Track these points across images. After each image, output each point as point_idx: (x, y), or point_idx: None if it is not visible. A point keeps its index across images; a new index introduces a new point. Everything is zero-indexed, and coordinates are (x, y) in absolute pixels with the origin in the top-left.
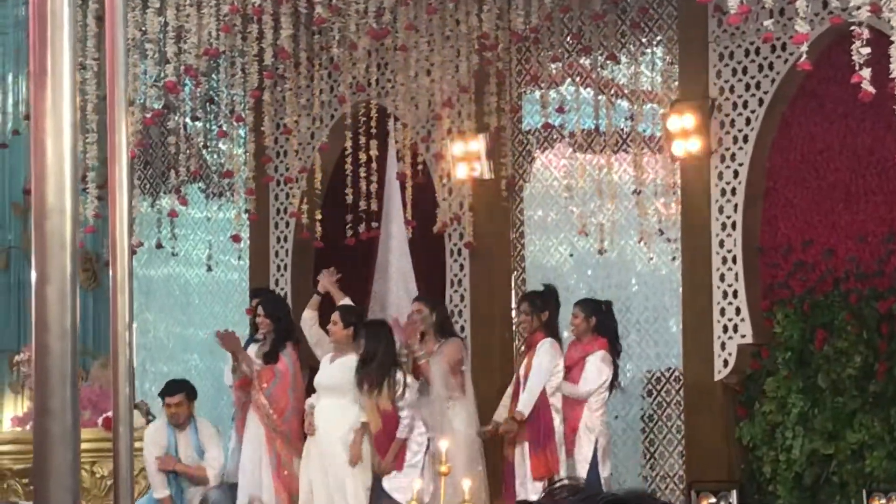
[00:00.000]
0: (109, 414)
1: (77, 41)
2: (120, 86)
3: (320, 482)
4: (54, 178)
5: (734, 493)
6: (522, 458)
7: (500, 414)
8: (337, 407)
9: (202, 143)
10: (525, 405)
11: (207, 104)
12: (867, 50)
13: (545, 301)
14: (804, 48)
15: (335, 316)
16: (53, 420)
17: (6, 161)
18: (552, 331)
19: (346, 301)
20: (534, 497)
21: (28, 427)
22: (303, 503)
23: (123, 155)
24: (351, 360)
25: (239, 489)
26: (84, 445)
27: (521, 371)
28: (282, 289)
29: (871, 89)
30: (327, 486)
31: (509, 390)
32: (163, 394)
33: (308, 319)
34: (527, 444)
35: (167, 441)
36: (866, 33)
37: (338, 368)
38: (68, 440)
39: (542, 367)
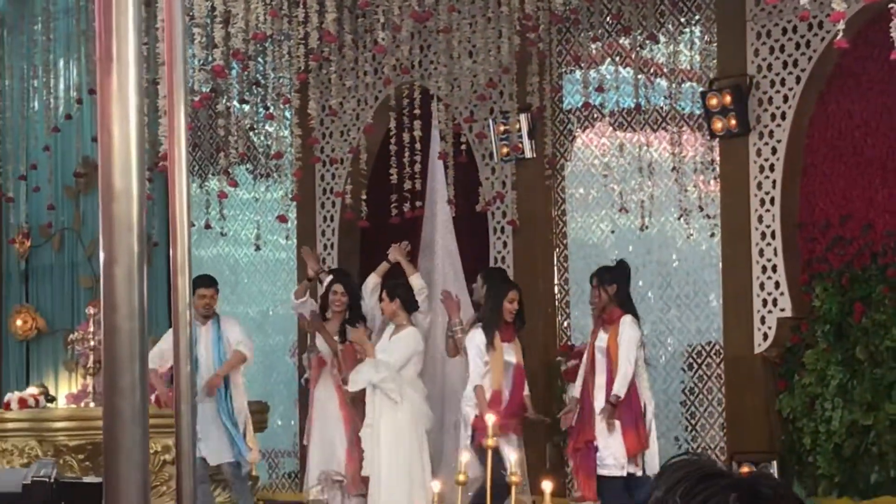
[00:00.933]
0: (160, 391)
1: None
2: (178, 70)
3: (379, 454)
4: (121, 162)
5: (774, 463)
6: (606, 436)
7: (576, 389)
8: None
9: (249, 126)
10: (621, 387)
11: (254, 87)
12: None
13: (614, 275)
14: (840, 26)
15: (383, 293)
16: (123, 399)
17: (58, 144)
18: (627, 306)
19: (417, 276)
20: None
21: (83, 404)
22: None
23: (182, 138)
24: (408, 335)
25: (311, 464)
26: None
27: (601, 344)
28: (328, 267)
29: None
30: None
31: (583, 367)
32: (197, 285)
33: (371, 285)
34: (617, 423)
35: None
36: None
37: (395, 344)
38: (138, 418)
39: (632, 344)
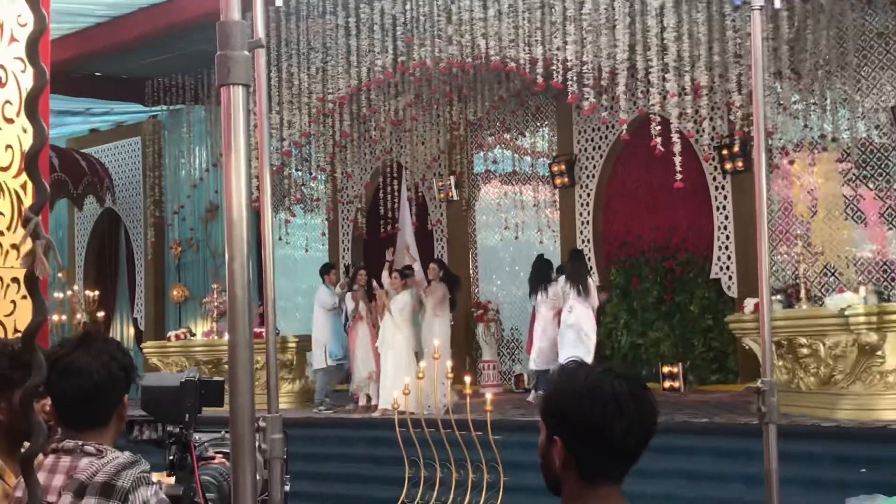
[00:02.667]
0: (255, 330)
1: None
2: (264, 153)
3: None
4: (236, 205)
5: None
6: None
7: None
8: (400, 320)
9: (301, 183)
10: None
11: (304, 161)
12: (659, 128)
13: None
14: (624, 128)
15: (394, 275)
16: (238, 334)
17: (195, 195)
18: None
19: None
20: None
21: (210, 337)
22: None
23: (267, 190)
24: (404, 295)
25: (355, 372)
26: None
27: None
28: (345, 262)
29: (661, 148)
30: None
31: None
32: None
33: (385, 277)
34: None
35: (335, 301)
36: (658, 119)
37: (399, 297)
38: (247, 345)
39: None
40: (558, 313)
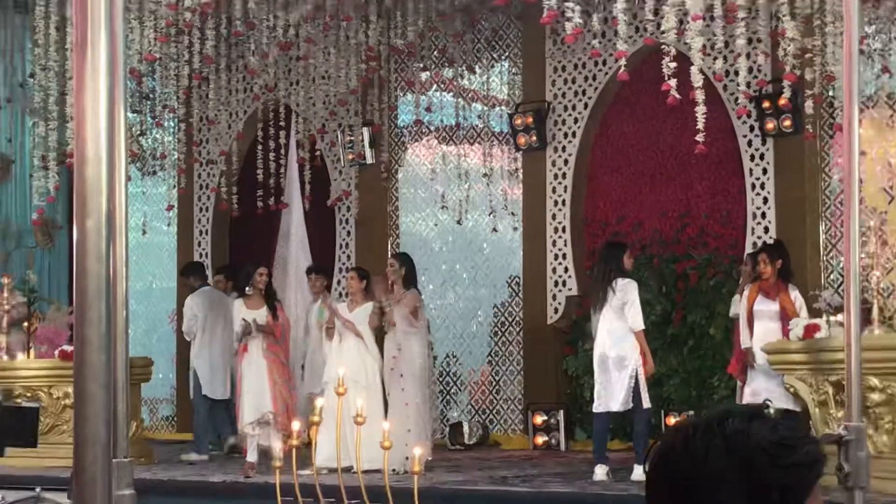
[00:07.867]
0: (64, 347)
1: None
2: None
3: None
4: (92, 133)
5: (561, 412)
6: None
7: None
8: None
9: (139, 132)
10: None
11: (144, 100)
12: (674, 64)
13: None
14: (623, 62)
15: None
16: (91, 328)
17: None
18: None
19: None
20: None
21: None
22: None
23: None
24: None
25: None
26: (43, 372)
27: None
28: (203, 250)
29: (677, 96)
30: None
31: None
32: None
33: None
34: None
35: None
36: (673, 51)
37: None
38: (103, 344)
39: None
40: None
